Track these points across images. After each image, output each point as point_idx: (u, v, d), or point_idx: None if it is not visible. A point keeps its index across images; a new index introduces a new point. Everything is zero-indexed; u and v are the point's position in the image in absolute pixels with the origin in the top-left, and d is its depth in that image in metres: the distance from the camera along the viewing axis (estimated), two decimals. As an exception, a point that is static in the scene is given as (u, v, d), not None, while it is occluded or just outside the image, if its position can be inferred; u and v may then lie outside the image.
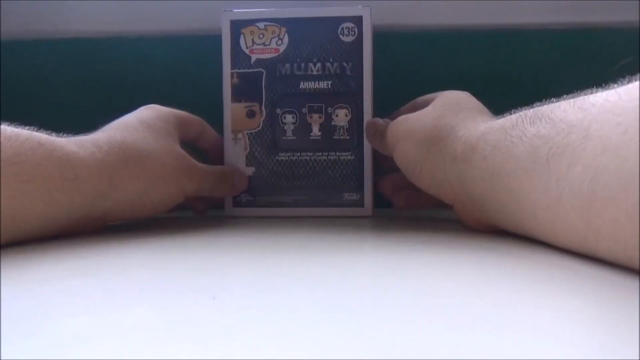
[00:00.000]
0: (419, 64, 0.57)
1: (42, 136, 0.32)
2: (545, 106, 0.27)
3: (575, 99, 0.25)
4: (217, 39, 0.56)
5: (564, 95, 0.27)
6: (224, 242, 0.32)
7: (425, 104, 0.39)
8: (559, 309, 0.17)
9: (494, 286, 0.20)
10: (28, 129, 0.32)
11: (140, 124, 0.39)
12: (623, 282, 0.20)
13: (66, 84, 0.61)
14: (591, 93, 0.25)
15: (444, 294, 0.19)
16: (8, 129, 0.30)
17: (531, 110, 0.29)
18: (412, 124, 0.37)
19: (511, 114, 0.31)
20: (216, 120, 0.46)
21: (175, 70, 0.60)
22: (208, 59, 0.58)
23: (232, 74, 0.45)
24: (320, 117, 0.45)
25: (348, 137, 0.44)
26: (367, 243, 0.32)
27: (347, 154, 0.44)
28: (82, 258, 0.27)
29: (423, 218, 0.44)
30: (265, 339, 0.14)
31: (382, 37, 0.50)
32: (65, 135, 0.35)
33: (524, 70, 0.58)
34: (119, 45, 0.60)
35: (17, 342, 0.14)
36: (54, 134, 0.34)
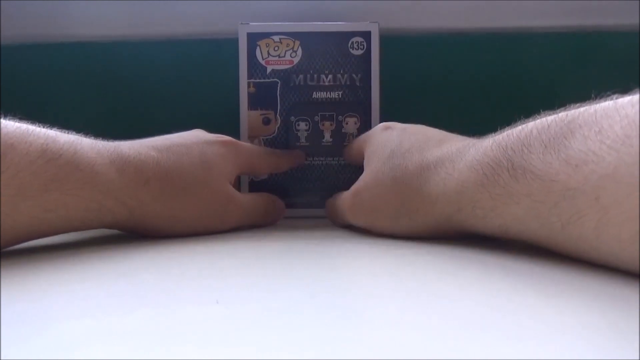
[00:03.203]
0: (422, 67, 0.60)
1: (82, 159, 0.31)
2: (511, 146, 0.26)
3: (545, 141, 0.24)
4: (223, 43, 0.59)
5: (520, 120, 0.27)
6: (227, 246, 0.32)
7: (360, 152, 0.40)
8: (558, 310, 0.17)
9: (493, 288, 0.21)
10: (83, 135, 0.32)
11: (199, 156, 0.38)
12: (623, 284, 0.20)
13: (68, 89, 0.62)
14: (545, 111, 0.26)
15: (443, 296, 0.19)
16: (50, 148, 0.29)
17: (499, 153, 0.27)
18: (372, 201, 0.36)
19: (470, 152, 0.29)
20: (231, 126, 0.49)
21: (178, 74, 0.61)
22: (216, 63, 0.60)
23: (248, 84, 0.48)
24: (331, 125, 0.48)
25: (357, 144, 0.47)
26: (371, 245, 0.33)
27: None
28: (85, 261, 0.27)
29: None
30: (267, 343, 0.14)
31: (389, 40, 0.52)
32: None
33: (526, 72, 0.60)
34: (122, 50, 0.62)
35: (18, 344, 0.14)
36: (109, 141, 0.34)
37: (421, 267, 0.26)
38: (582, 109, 0.24)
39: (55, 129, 0.32)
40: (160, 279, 0.23)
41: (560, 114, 0.25)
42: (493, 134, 0.29)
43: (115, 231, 0.37)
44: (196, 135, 0.40)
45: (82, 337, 0.15)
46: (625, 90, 0.24)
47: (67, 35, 0.62)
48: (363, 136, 0.42)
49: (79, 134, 0.33)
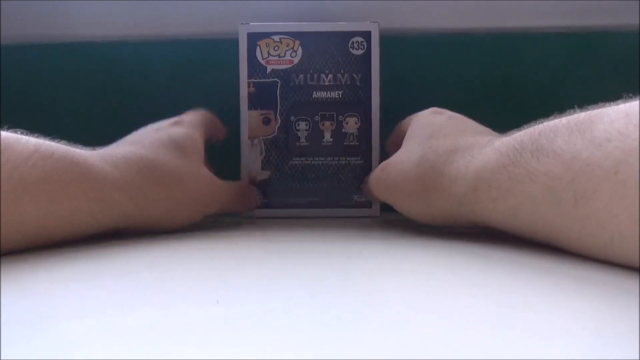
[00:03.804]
0: (423, 67, 0.60)
1: (75, 153, 0.32)
2: (540, 131, 0.26)
3: (572, 125, 0.24)
4: (223, 43, 0.59)
5: (552, 115, 0.27)
6: (227, 246, 0.33)
7: (404, 129, 0.41)
8: (560, 310, 0.17)
9: (498, 287, 0.21)
10: (64, 143, 0.32)
11: (172, 144, 0.39)
12: (623, 284, 0.20)
13: (68, 89, 0.62)
14: (584, 107, 0.25)
15: (449, 296, 0.19)
16: (43, 146, 0.30)
17: (526, 137, 0.27)
18: (395, 177, 0.37)
19: (501, 139, 0.30)
20: (231, 126, 0.49)
21: (179, 74, 0.61)
22: (216, 63, 0.60)
23: (248, 84, 0.48)
24: (331, 125, 0.48)
25: (357, 144, 0.47)
26: (374, 246, 0.33)
27: (356, 158, 0.48)
28: (85, 261, 0.27)
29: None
30: (267, 343, 0.14)
31: (389, 40, 0.52)
32: (97, 148, 0.36)
33: (526, 72, 0.60)
34: (123, 50, 0.61)
35: (18, 345, 0.14)
36: (89, 147, 0.35)
37: (423, 266, 0.26)
38: (614, 105, 0.24)
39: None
40: (160, 279, 0.23)
41: (592, 108, 0.25)
42: (525, 125, 0.29)
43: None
44: (153, 129, 0.41)
45: (82, 337, 0.15)
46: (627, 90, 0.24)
47: (67, 35, 0.62)
48: (411, 117, 0.42)
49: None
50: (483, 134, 0.35)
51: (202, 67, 0.62)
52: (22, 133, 0.31)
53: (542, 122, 0.27)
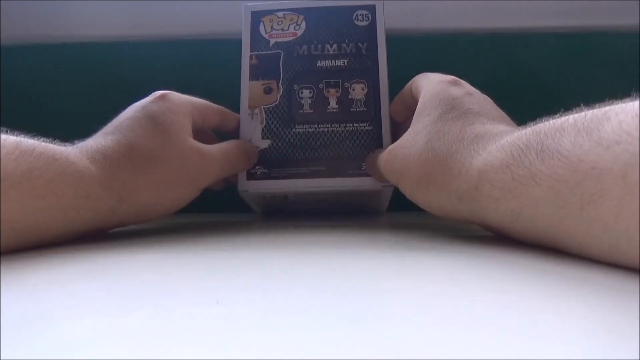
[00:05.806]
0: (423, 67, 0.60)
1: (56, 150, 0.31)
2: (545, 131, 0.25)
3: (579, 125, 0.24)
4: (223, 43, 0.59)
5: (558, 112, 0.27)
6: (228, 246, 0.32)
7: (412, 98, 0.40)
8: (560, 311, 0.17)
9: (500, 288, 0.20)
10: (43, 141, 0.32)
11: (149, 122, 0.37)
12: (623, 284, 0.20)
13: (69, 90, 0.62)
14: (586, 106, 0.25)
15: (450, 297, 0.19)
16: (23, 142, 0.30)
17: (532, 136, 0.26)
18: (401, 162, 0.36)
19: (507, 137, 0.29)
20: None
21: (180, 74, 0.61)
22: (216, 63, 0.60)
23: (251, 56, 0.47)
24: (337, 92, 0.46)
25: (365, 109, 0.46)
26: (377, 247, 0.31)
27: (365, 124, 0.45)
28: (85, 261, 0.27)
29: (438, 222, 0.43)
30: (267, 343, 0.14)
31: (389, 40, 0.53)
32: (77, 141, 0.36)
33: (526, 72, 0.60)
34: (123, 50, 0.61)
35: (18, 345, 0.14)
36: (67, 143, 0.35)
37: (426, 268, 0.24)
38: (621, 103, 0.23)
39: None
40: (160, 279, 0.23)
41: (599, 107, 0.24)
42: (532, 122, 0.29)
43: (114, 231, 0.37)
44: (133, 107, 0.40)
45: (82, 337, 0.14)
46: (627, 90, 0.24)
47: (67, 36, 0.62)
48: (421, 78, 0.41)
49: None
50: (496, 120, 0.33)
51: (202, 67, 0.61)
52: (32, 137, 0.31)
53: (548, 120, 0.27)
